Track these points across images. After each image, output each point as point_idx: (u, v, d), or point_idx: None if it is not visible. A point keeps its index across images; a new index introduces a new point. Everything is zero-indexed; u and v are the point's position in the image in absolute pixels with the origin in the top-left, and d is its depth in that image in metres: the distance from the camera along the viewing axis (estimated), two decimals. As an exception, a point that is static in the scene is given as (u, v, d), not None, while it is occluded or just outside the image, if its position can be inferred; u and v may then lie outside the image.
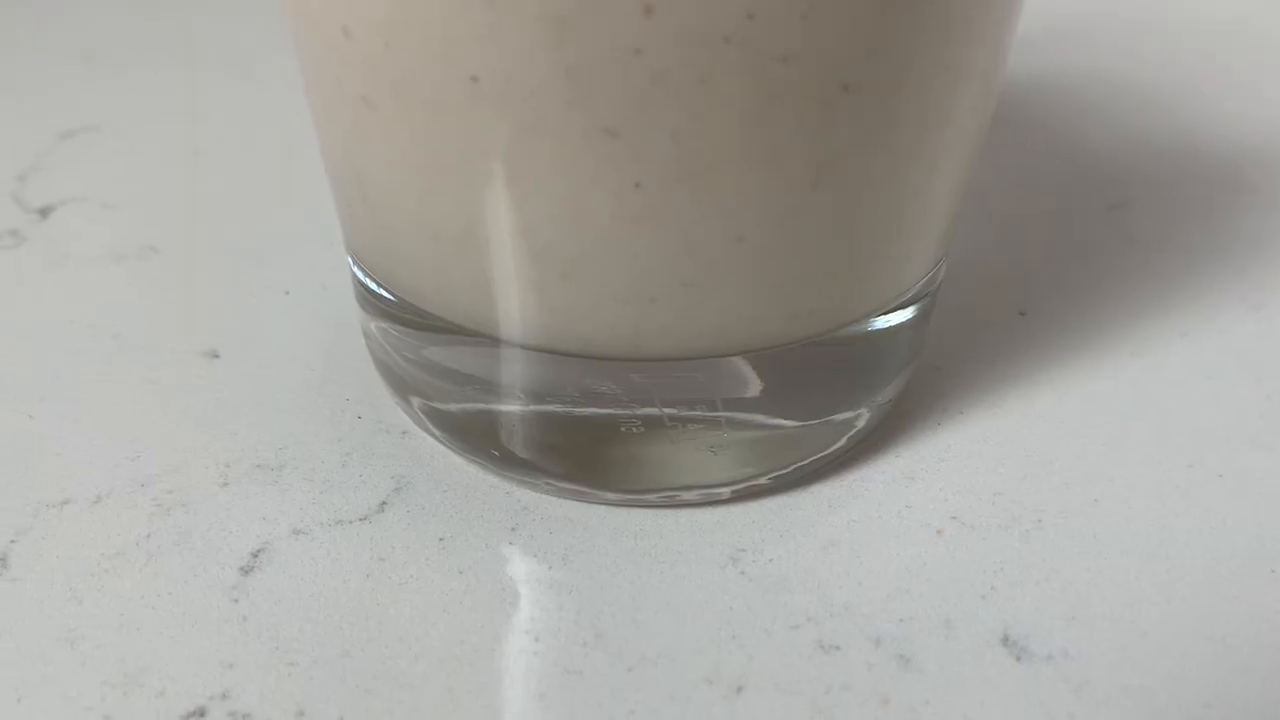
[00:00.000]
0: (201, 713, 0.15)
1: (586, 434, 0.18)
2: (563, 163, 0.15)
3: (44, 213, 0.25)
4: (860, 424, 0.19)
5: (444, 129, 0.15)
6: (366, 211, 0.18)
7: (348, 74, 0.16)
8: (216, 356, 0.21)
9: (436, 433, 0.19)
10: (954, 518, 0.18)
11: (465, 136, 0.15)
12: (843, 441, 0.19)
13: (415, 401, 0.19)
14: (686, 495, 0.18)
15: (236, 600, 0.16)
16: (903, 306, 0.19)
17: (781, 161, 0.15)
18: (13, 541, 0.17)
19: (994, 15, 0.16)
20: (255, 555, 0.17)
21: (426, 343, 0.18)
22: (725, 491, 0.18)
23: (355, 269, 0.19)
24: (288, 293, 0.23)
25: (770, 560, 0.17)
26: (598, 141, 0.14)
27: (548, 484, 0.18)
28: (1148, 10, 0.37)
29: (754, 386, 0.18)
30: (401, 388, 0.19)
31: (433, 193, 0.16)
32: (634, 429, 0.18)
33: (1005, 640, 0.16)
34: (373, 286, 0.19)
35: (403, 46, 0.14)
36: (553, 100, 0.14)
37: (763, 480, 0.18)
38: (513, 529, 0.18)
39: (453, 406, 0.19)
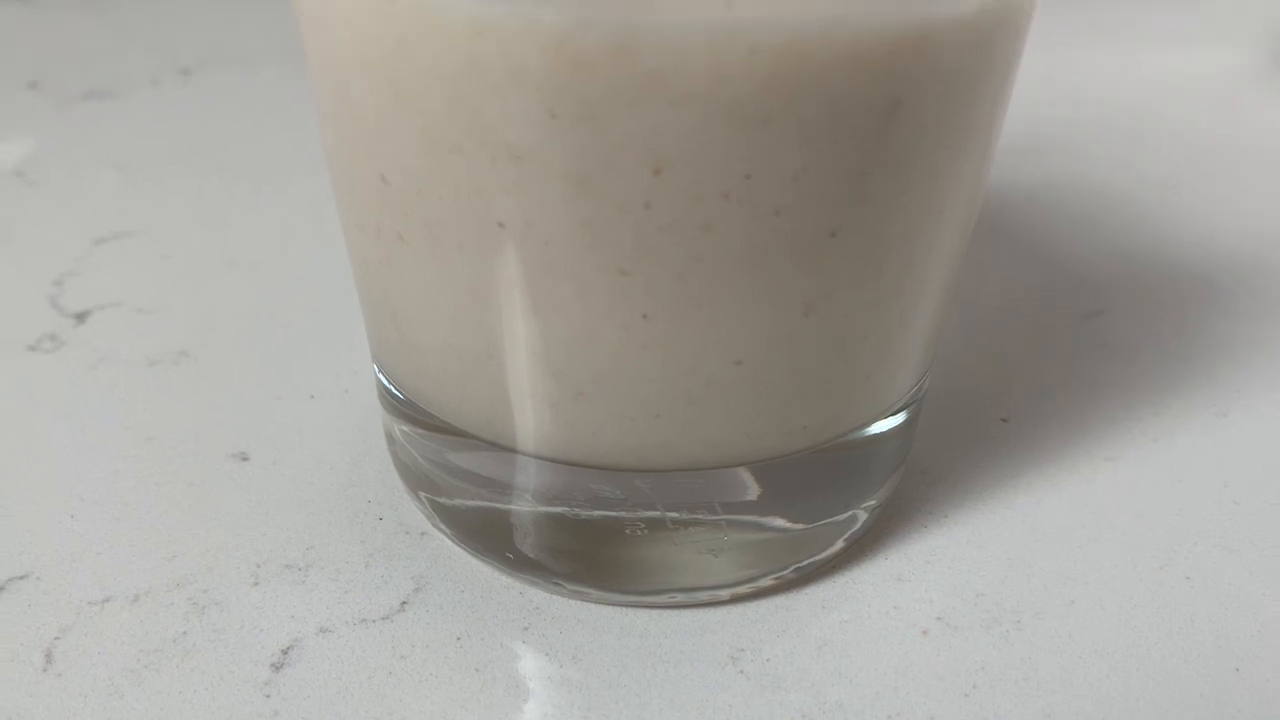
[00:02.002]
0: (238, 804, 0.16)
1: (592, 536, 0.19)
2: (578, 297, 0.16)
3: (81, 317, 0.27)
4: (856, 526, 0.21)
5: (471, 265, 0.17)
6: (395, 331, 0.19)
7: (384, 214, 0.17)
8: (246, 459, 0.23)
9: (453, 534, 0.21)
10: (939, 618, 0.19)
11: (490, 272, 0.17)
12: (840, 543, 0.21)
13: (433, 502, 0.21)
14: (688, 597, 0.20)
15: (268, 696, 0.18)
16: (893, 414, 0.20)
17: (775, 296, 0.17)
18: (57, 638, 0.19)
19: (969, 163, 0.18)
20: (285, 652, 0.18)
21: (447, 448, 0.20)
22: (725, 593, 0.20)
23: (380, 376, 0.21)
24: (313, 397, 0.24)
25: (767, 660, 0.18)
26: (610, 279, 0.16)
27: (557, 585, 0.20)
28: (1124, 122, 0.39)
29: (753, 492, 0.19)
30: (421, 487, 0.21)
31: (458, 319, 0.18)
32: (638, 531, 0.19)
33: (987, 736, 0.17)
34: (397, 394, 0.20)
35: (435, 194, 0.16)
36: (570, 244, 0.16)
37: (762, 582, 0.20)
38: (525, 628, 0.19)
39: (469, 506, 0.20)
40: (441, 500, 0.20)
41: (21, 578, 0.20)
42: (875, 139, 0.15)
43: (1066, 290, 0.29)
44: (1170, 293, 0.29)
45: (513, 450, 0.19)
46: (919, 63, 0.15)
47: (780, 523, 0.20)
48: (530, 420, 0.18)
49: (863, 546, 0.21)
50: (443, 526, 0.21)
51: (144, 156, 0.35)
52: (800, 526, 0.20)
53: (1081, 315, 0.28)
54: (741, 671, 0.18)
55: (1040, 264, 0.30)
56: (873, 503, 0.21)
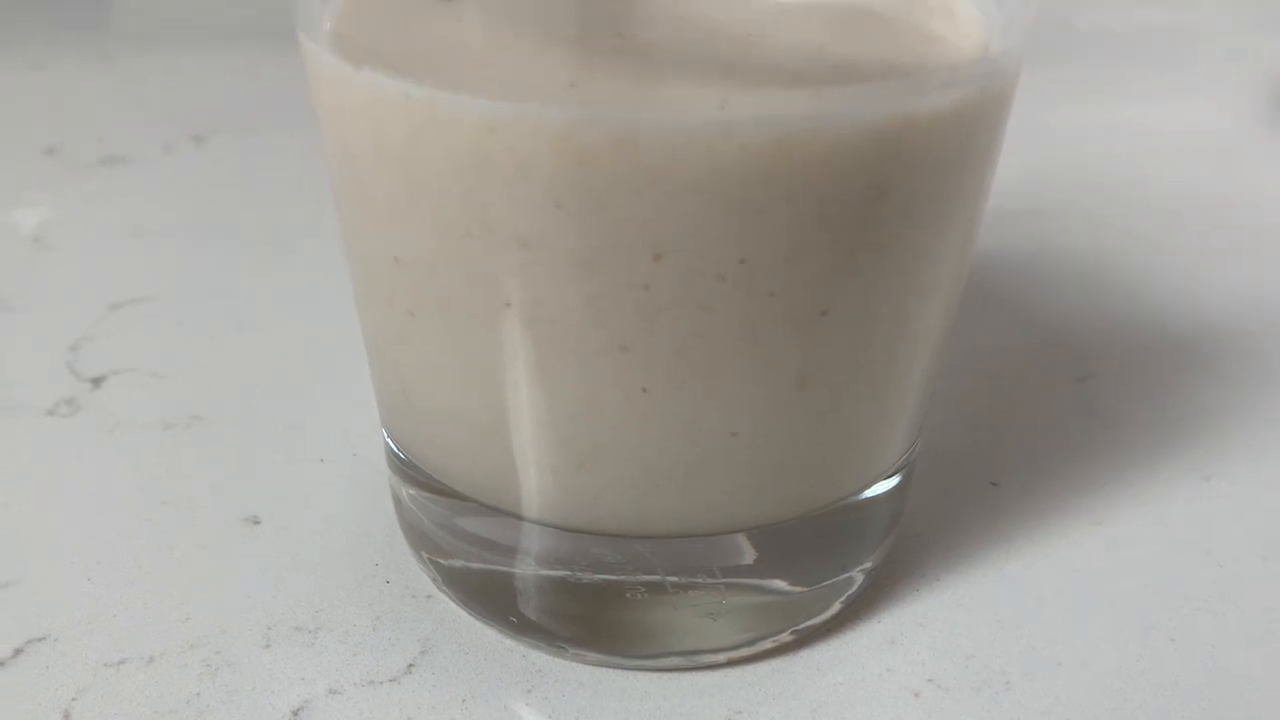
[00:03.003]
0: None
1: (593, 599, 0.20)
2: (582, 372, 0.17)
3: (96, 382, 0.28)
4: (853, 588, 0.21)
5: (479, 341, 0.18)
6: (405, 400, 0.20)
7: (396, 291, 0.18)
8: (258, 522, 0.23)
9: (457, 597, 0.21)
10: (930, 680, 0.20)
11: (498, 348, 0.17)
12: (837, 605, 0.21)
13: (438, 564, 0.21)
14: (687, 660, 0.20)
15: (279, 757, 0.18)
16: (886, 479, 0.21)
17: (769, 370, 0.17)
18: (74, 699, 0.19)
19: (954, 242, 0.19)
20: (296, 714, 0.19)
21: (453, 512, 0.21)
22: (722, 657, 0.20)
23: (389, 441, 0.22)
24: (322, 460, 0.25)
25: (764, 721, 0.19)
26: (612, 355, 0.17)
27: (559, 648, 0.20)
28: (1110, 183, 0.41)
29: (750, 556, 0.20)
30: (427, 549, 0.22)
31: (466, 390, 0.18)
32: (638, 595, 0.20)
33: (976, 797, 0.18)
34: (405, 459, 0.21)
35: (446, 275, 0.17)
36: (574, 323, 0.17)
37: (761, 644, 0.21)
38: (528, 690, 0.20)
39: (473, 569, 0.21)
40: (446, 563, 0.21)
41: (40, 640, 0.20)
42: (862, 225, 0.16)
43: (1056, 355, 0.30)
44: (1157, 357, 0.30)
45: (517, 516, 0.20)
46: (901, 154, 0.16)
47: (779, 585, 0.20)
48: (534, 487, 0.19)
49: (857, 609, 0.22)
50: (447, 589, 0.22)
51: (158, 222, 0.36)
52: (798, 589, 0.21)
53: (1071, 379, 0.29)
54: (738, 733, 0.19)
55: (1030, 328, 0.31)
56: (869, 565, 0.22)
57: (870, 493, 0.21)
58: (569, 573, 0.20)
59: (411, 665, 0.20)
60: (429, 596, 0.22)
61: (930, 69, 0.17)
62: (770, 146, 0.15)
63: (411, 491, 0.21)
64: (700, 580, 0.20)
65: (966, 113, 0.16)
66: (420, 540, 0.22)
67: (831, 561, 0.21)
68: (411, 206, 0.17)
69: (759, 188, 0.15)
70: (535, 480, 0.19)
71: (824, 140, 0.15)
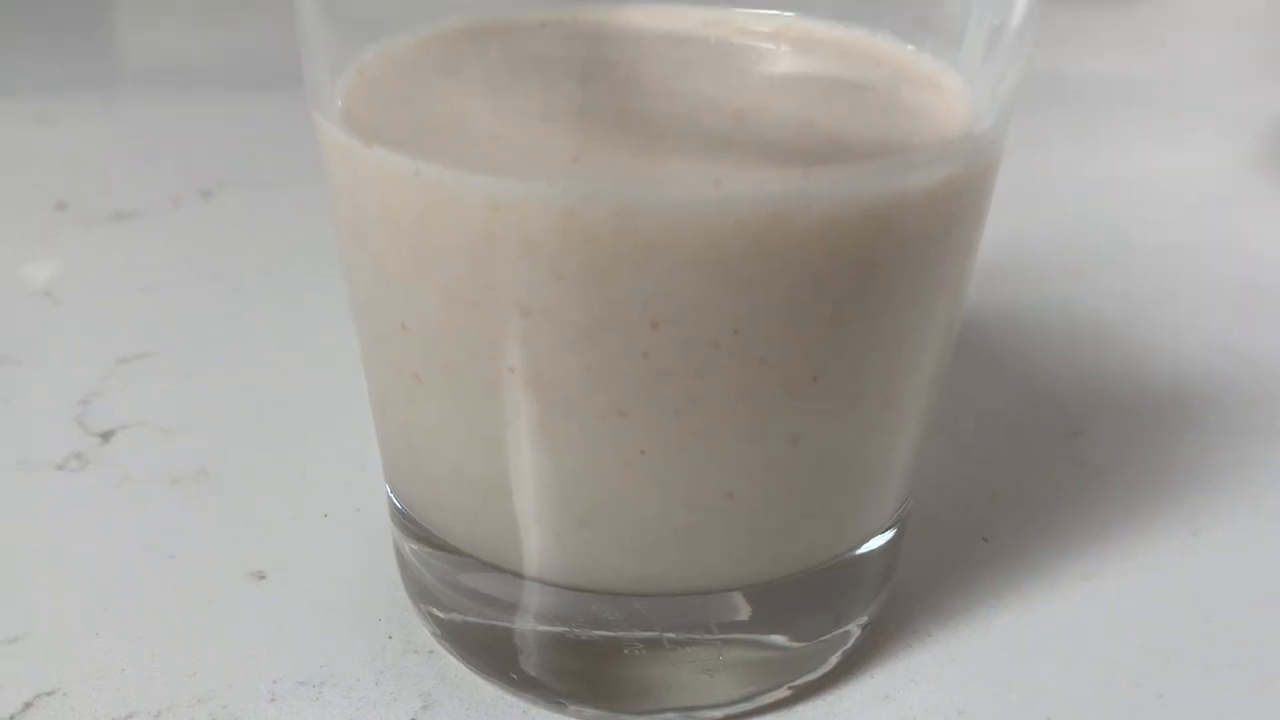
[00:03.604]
0: None
1: (592, 655, 0.20)
2: (582, 435, 0.18)
3: (105, 437, 0.28)
4: (849, 643, 0.22)
5: (483, 405, 0.18)
6: (409, 459, 0.21)
7: (403, 356, 0.19)
8: (264, 577, 0.24)
9: (458, 652, 0.22)
10: (923, 735, 0.20)
11: (501, 412, 0.18)
12: (834, 660, 0.22)
13: (439, 619, 0.22)
14: (683, 717, 0.21)
15: (284, 812, 0.19)
16: (879, 535, 0.22)
17: (763, 434, 0.18)
18: (83, 754, 0.20)
19: (942, 308, 0.19)
20: (300, 769, 0.19)
21: (455, 568, 0.21)
22: (719, 713, 0.21)
23: (393, 498, 0.22)
24: (326, 515, 0.26)
25: (759, 776, 0.20)
26: (611, 419, 0.18)
27: (559, 704, 0.21)
28: (1099, 240, 0.41)
29: (747, 612, 0.20)
30: (429, 603, 0.22)
31: (470, 452, 0.19)
32: (636, 651, 0.20)
33: None
34: (409, 516, 0.22)
35: (451, 341, 0.18)
36: (575, 388, 0.17)
37: (759, 700, 0.21)
38: (530, 745, 0.20)
39: (474, 624, 0.21)
40: (447, 617, 0.22)
41: (49, 694, 0.21)
42: (851, 296, 0.17)
43: (1047, 411, 0.30)
44: (1146, 413, 0.31)
45: (517, 573, 0.20)
46: (889, 229, 0.17)
47: (776, 641, 0.21)
48: (535, 546, 0.19)
49: (851, 665, 0.22)
50: (448, 644, 0.22)
51: (166, 277, 0.37)
52: (796, 645, 0.21)
53: (1061, 435, 0.29)
54: (735, 788, 0.19)
55: (1020, 385, 0.32)
56: (864, 619, 0.22)
57: (864, 549, 0.21)
58: (568, 629, 0.20)
59: (414, 720, 0.21)
60: (431, 652, 0.22)
61: (916, 147, 0.17)
62: (763, 222, 0.16)
63: (414, 547, 0.22)
64: (698, 636, 0.20)
65: (953, 188, 0.17)
66: (422, 595, 0.22)
67: (828, 617, 0.21)
68: (419, 277, 0.17)
69: (752, 261, 0.16)
70: (536, 539, 0.19)
71: (814, 217, 0.16)
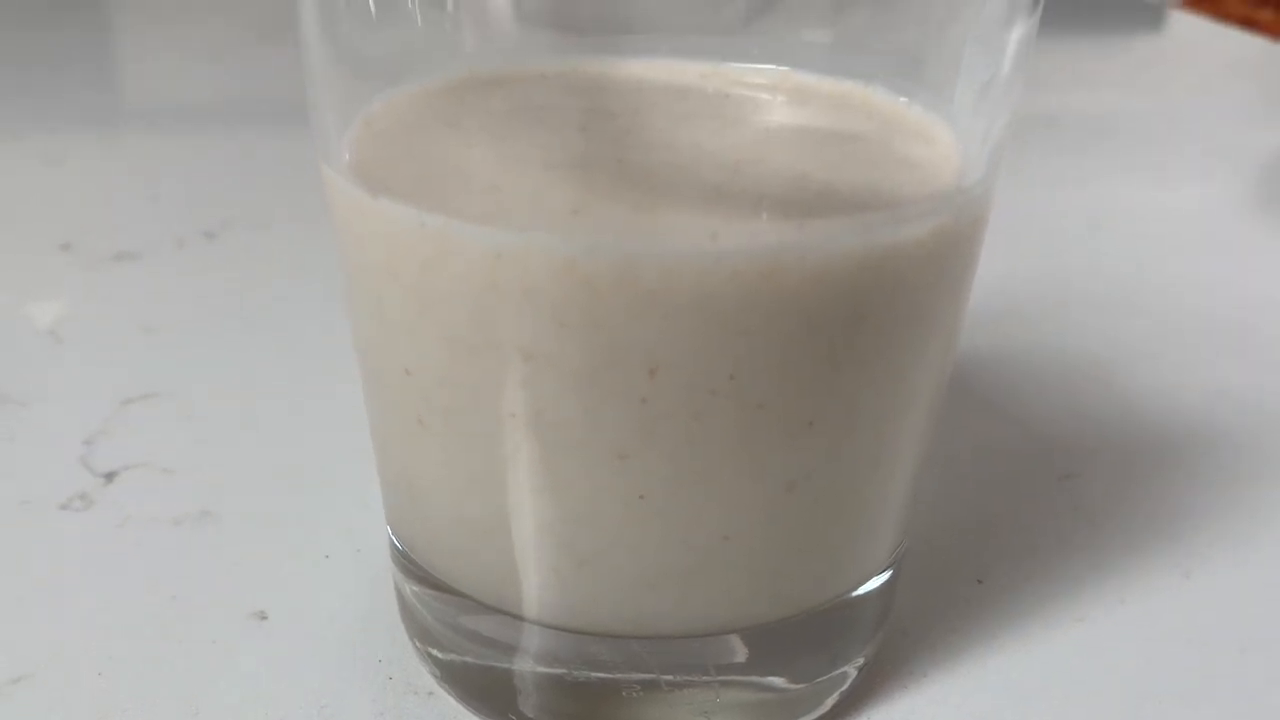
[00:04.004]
0: None
1: (590, 697, 0.21)
2: (582, 478, 0.18)
3: (109, 477, 0.29)
4: (846, 684, 0.22)
5: (484, 448, 0.19)
6: (410, 501, 0.21)
7: (406, 400, 0.19)
8: (265, 618, 0.24)
9: (457, 694, 0.22)
10: (919, 777, 0.21)
11: (502, 455, 0.18)
12: (830, 701, 0.22)
13: (439, 659, 0.22)
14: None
15: None
16: (874, 576, 0.22)
17: (760, 476, 0.18)
18: (85, 795, 0.20)
19: (935, 354, 0.20)
20: (301, 809, 0.20)
21: (455, 609, 0.21)
22: (716, 755, 0.21)
23: (394, 539, 0.23)
24: (328, 556, 0.26)
25: (756, 817, 0.20)
26: (611, 463, 0.18)
27: (558, 745, 0.21)
28: (1094, 283, 0.42)
29: (744, 654, 0.21)
30: (428, 643, 0.22)
31: (471, 495, 0.19)
32: (634, 693, 0.21)
33: None
34: (410, 557, 0.22)
35: (454, 386, 0.18)
36: (575, 432, 0.18)
37: (751, 742, 0.21)
38: (528, 786, 0.20)
39: (473, 664, 0.21)
40: (447, 658, 0.22)
41: (51, 735, 0.21)
42: (844, 344, 0.17)
43: (1040, 454, 0.31)
44: (1140, 456, 0.31)
45: (517, 615, 0.20)
46: (881, 279, 0.17)
47: (774, 682, 0.21)
48: (535, 588, 0.20)
49: (848, 706, 0.22)
50: (447, 685, 0.22)
51: (170, 317, 0.37)
52: (793, 686, 0.21)
53: (1055, 478, 0.30)
54: (732, 830, 0.19)
55: (1014, 428, 0.32)
56: (861, 660, 0.22)
57: (861, 590, 0.22)
58: (566, 671, 0.20)
59: (414, 761, 0.21)
60: (430, 693, 0.22)
61: (907, 200, 0.18)
62: (758, 273, 0.16)
63: (414, 588, 0.22)
64: (696, 679, 0.21)
65: (943, 238, 0.18)
66: (422, 636, 0.23)
67: (825, 658, 0.22)
68: (423, 323, 0.18)
69: (748, 310, 0.17)
70: (536, 581, 0.20)
71: (808, 268, 0.16)
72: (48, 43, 0.72)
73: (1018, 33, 0.19)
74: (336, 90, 0.20)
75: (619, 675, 0.20)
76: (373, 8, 0.20)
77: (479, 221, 0.17)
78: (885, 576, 0.22)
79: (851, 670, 0.22)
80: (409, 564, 0.22)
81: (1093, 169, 0.55)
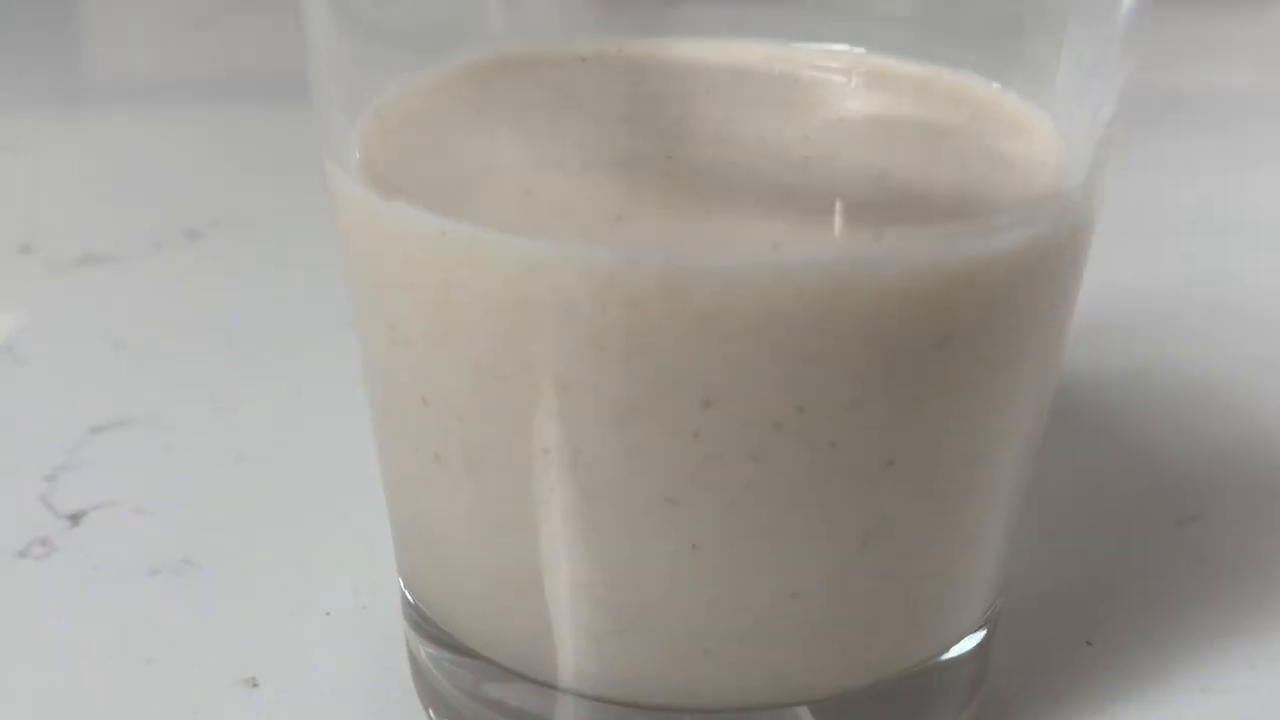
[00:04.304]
0: None
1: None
2: (624, 526, 0.19)
3: (75, 519, 0.29)
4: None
5: (512, 490, 0.19)
6: (426, 550, 0.21)
7: (422, 434, 0.20)
8: (256, 685, 0.24)
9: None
10: None
11: (532, 498, 0.19)
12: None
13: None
14: None
15: None
16: (964, 640, 0.22)
17: (831, 525, 0.19)
18: None
19: (1032, 382, 0.20)
20: None
21: (477, 676, 0.22)
22: (779, 846, 0.21)
23: (406, 593, 0.23)
24: (329, 613, 0.26)
25: None
26: (657, 508, 0.18)
27: (596, 830, 0.21)
28: (1219, 296, 0.42)
29: (811, 732, 0.21)
30: (446, 715, 0.23)
31: (496, 544, 0.20)
32: (685, 773, 0.21)
33: None
34: (425, 614, 0.22)
35: (478, 418, 0.19)
36: (616, 472, 0.18)
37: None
38: None
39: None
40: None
41: (15, 816, 0.22)
42: (928, 371, 0.18)
43: (1156, 493, 0.31)
44: (1271, 496, 0.31)
45: (549, 684, 0.21)
46: (970, 297, 0.17)
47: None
48: (569, 653, 0.20)
49: (932, 790, 0.22)
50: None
51: (145, 330, 0.38)
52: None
53: (1173, 522, 0.30)
54: None
55: (1126, 462, 0.32)
56: (948, 739, 0.23)
57: (949, 655, 0.22)
58: (608, 749, 0.21)
59: None
60: (447, 771, 0.23)
61: (1000, 206, 0.18)
62: (827, 291, 0.16)
63: (430, 651, 0.23)
64: (755, 757, 0.21)
65: (1041, 251, 0.18)
66: (439, 705, 0.23)
67: (904, 736, 0.22)
68: (443, 345, 0.18)
69: (816, 333, 0.17)
70: (571, 645, 0.20)
71: (885, 284, 0.17)
72: (2, 10, 0.74)
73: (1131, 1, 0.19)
74: (345, 75, 0.20)
75: (668, 754, 0.21)
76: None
77: (508, 230, 0.17)
78: (978, 638, 0.22)
79: (936, 750, 0.22)
80: (423, 622, 0.22)
81: (1220, 157, 0.54)
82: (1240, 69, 0.67)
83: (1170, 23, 0.62)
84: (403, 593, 0.23)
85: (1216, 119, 0.60)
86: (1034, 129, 0.20)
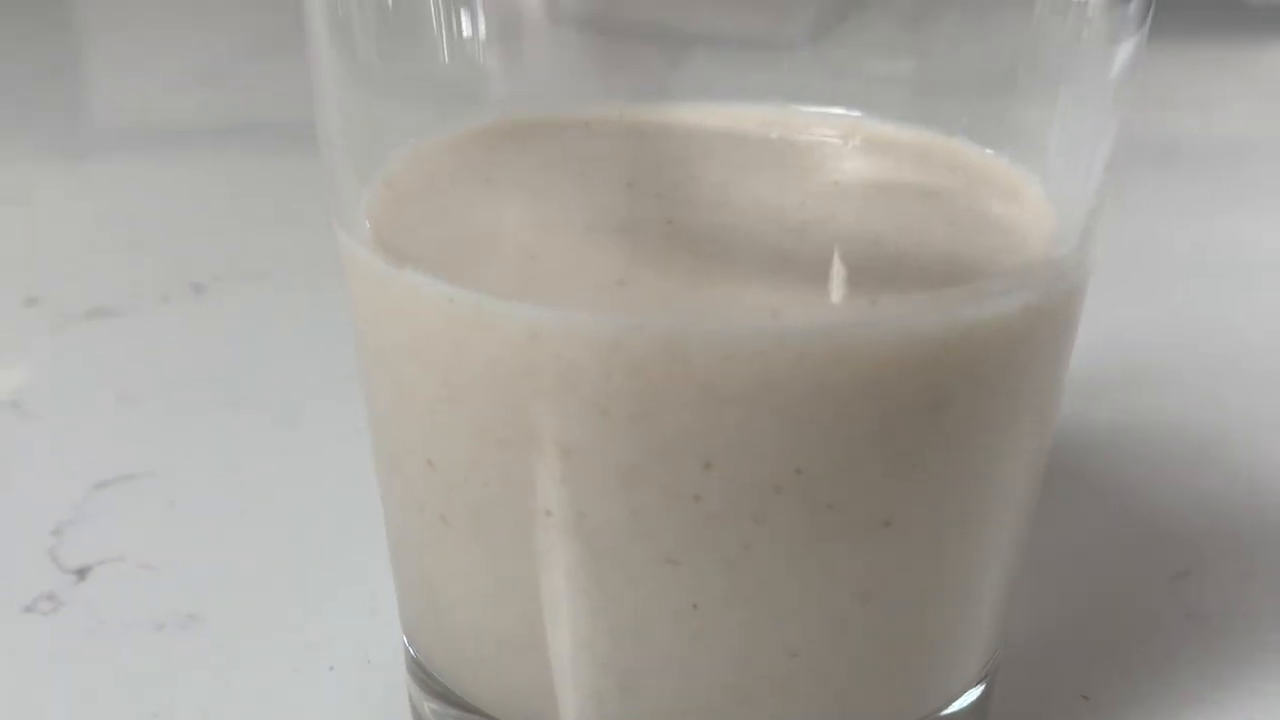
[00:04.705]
0: None
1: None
2: (625, 586, 0.19)
3: (81, 573, 0.30)
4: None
5: (516, 551, 0.19)
6: (431, 608, 0.22)
7: (427, 495, 0.20)
8: (260, 740, 0.25)
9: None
10: None
11: (535, 558, 0.19)
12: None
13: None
14: None
15: None
16: (963, 694, 0.22)
17: (830, 585, 0.19)
18: None
19: (1027, 442, 0.20)
20: None
21: (482, 732, 0.22)
22: None
23: (410, 650, 0.23)
24: (332, 668, 0.26)
25: None
26: (658, 569, 0.18)
27: None
28: (1213, 347, 0.42)
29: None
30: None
31: (500, 603, 0.20)
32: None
33: None
34: (430, 671, 0.23)
35: (482, 481, 0.19)
36: (618, 534, 0.18)
37: None
38: None
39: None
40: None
41: None
42: (924, 433, 0.18)
43: (1150, 547, 0.31)
44: (1265, 551, 0.31)
45: (555, 744, 0.21)
46: (963, 362, 0.18)
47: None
48: (572, 711, 0.20)
49: (931, 847, 0.22)
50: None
51: (151, 384, 0.38)
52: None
53: (1168, 577, 0.30)
54: None
55: (1120, 517, 0.32)
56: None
57: (947, 711, 0.22)
58: (610, 807, 0.21)
59: None
60: (450, 828, 0.23)
61: (993, 270, 0.19)
62: (825, 356, 0.17)
63: (434, 707, 0.23)
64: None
65: (1033, 317, 0.18)
66: (443, 761, 0.23)
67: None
68: (449, 409, 0.19)
69: (814, 397, 0.17)
70: (573, 703, 0.20)
71: (881, 350, 0.17)
72: (8, 59, 0.74)
73: (1122, 58, 0.20)
74: (354, 143, 0.21)
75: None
76: (394, 45, 0.21)
77: (514, 297, 0.17)
78: (976, 694, 0.23)
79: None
80: (427, 679, 0.23)
81: (1215, 207, 0.55)
82: (1234, 115, 0.68)
83: (1163, 67, 0.63)
84: (406, 648, 0.23)
85: (1210, 166, 0.60)
86: (1026, 195, 0.21)
